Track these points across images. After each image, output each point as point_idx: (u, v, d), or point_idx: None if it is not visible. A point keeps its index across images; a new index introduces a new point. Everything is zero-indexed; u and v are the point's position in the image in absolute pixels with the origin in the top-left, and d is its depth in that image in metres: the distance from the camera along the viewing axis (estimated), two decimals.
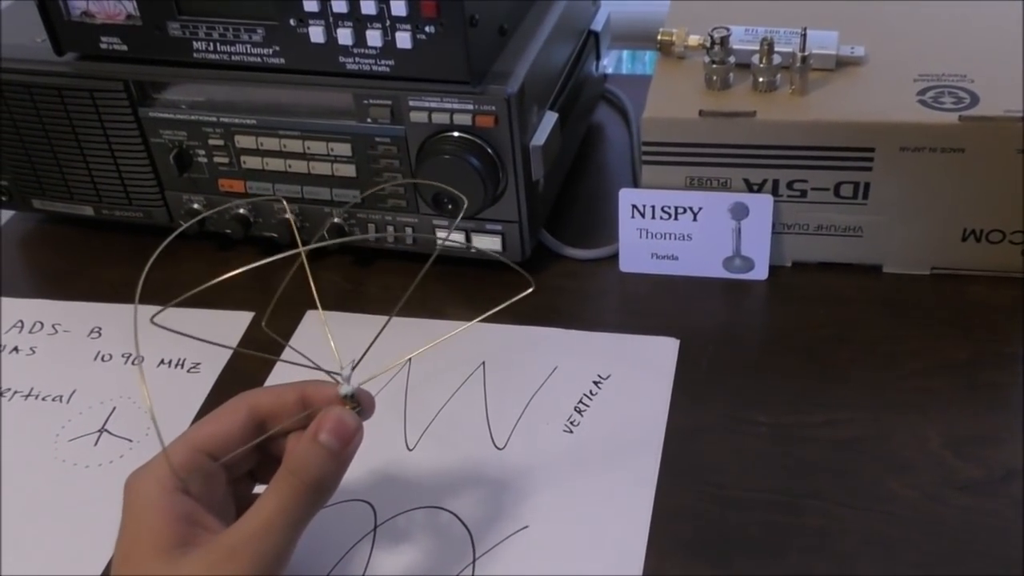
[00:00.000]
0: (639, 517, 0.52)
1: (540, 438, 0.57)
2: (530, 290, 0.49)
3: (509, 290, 0.69)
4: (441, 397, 0.60)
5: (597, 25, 0.80)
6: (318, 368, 0.45)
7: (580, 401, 0.59)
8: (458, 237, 0.67)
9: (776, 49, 0.63)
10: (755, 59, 0.64)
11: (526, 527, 0.52)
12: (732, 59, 0.64)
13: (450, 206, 0.64)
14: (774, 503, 0.52)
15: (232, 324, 0.67)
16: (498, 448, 0.56)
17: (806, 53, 0.62)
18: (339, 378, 0.44)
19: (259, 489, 0.47)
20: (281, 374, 0.62)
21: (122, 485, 0.56)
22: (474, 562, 0.50)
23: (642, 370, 0.60)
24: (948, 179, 0.61)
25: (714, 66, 0.64)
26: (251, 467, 0.47)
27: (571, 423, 0.57)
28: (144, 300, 0.69)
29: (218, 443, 0.43)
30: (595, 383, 0.60)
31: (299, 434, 0.44)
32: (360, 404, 0.45)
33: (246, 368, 0.63)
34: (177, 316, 0.68)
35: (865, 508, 0.51)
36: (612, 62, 0.97)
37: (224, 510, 0.44)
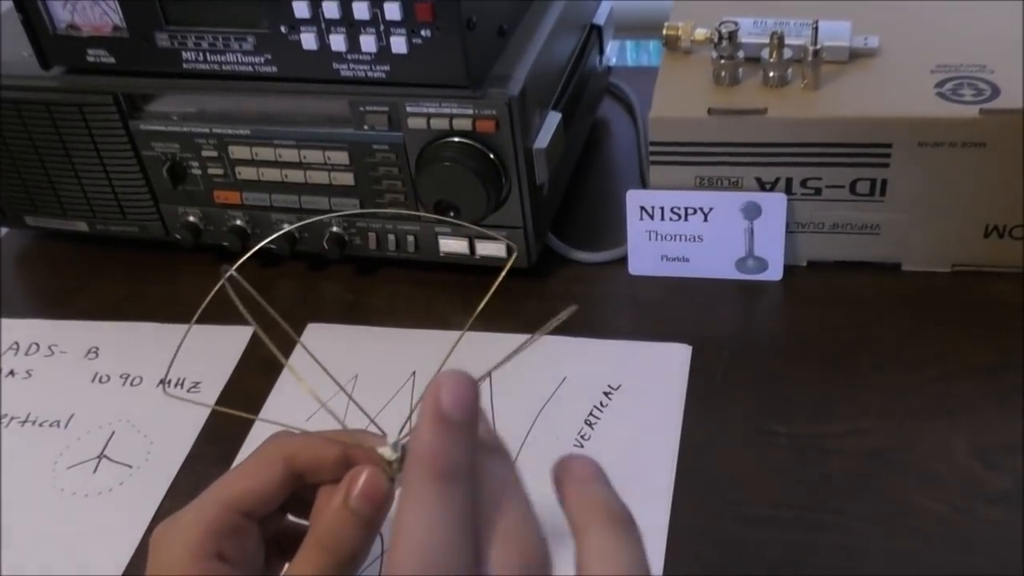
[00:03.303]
0: (654, 537, 0.50)
1: (550, 453, 0.54)
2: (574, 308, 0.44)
3: (515, 296, 0.67)
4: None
5: (599, 19, 0.77)
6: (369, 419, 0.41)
7: (591, 413, 0.57)
8: (462, 245, 0.65)
9: (787, 42, 0.61)
10: (765, 53, 0.61)
11: None
12: (741, 54, 0.62)
13: (452, 213, 0.62)
14: (795, 520, 0.50)
15: (232, 340, 0.65)
16: None
17: (818, 46, 0.60)
18: (384, 442, 0.40)
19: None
20: (285, 386, 0.60)
21: (122, 513, 0.55)
22: None
23: (654, 379, 0.59)
24: (969, 174, 0.58)
25: (722, 61, 0.62)
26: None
27: (582, 437, 0.56)
28: (143, 316, 0.68)
29: (252, 501, 0.40)
30: (605, 394, 0.58)
31: (328, 490, 0.40)
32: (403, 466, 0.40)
33: (248, 387, 0.62)
34: (176, 334, 0.67)
35: (891, 524, 0.49)
36: (615, 51, 0.94)
37: (254, 560, 0.41)
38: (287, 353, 0.63)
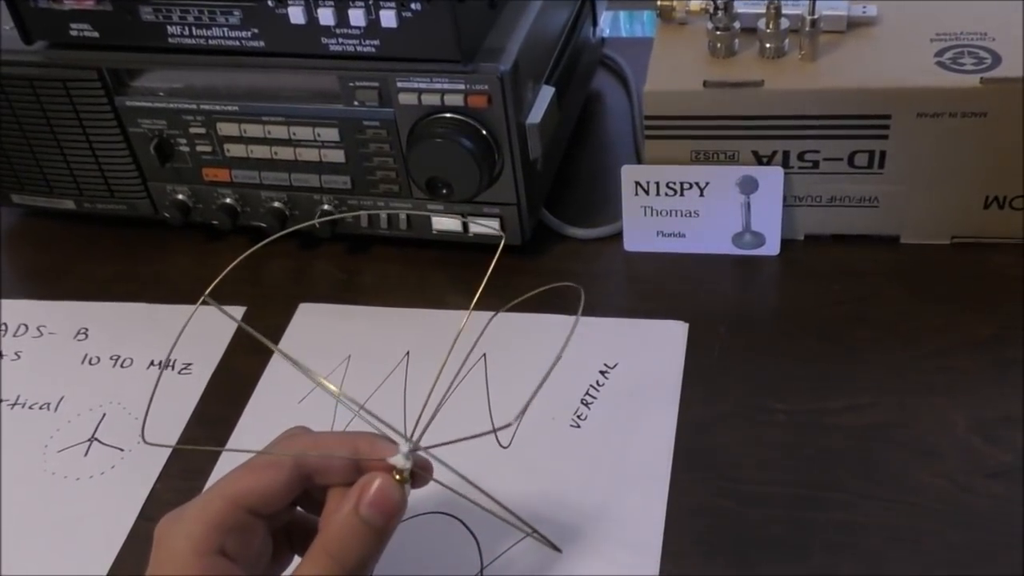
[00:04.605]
0: (653, 516, 0.49)
1: (546, 434, 0.54)
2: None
3: (509, 273, 0.66)
4: (441, 392, 0.57)
5: None
6: (388, 426, 0.40)
7: (587, 393, 0.56)
8: (455, 223, 0.64)
9: (783, 12, 0.60)
10: (761, 24, 0.60)
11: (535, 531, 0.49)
12: (737, 24, 0.61)
13: (444, 191, 0.61)
14: (795, 497, 0.49)
15: (223, 320, 0.64)
16: (502, 447, 0.54)
17: (815, 16, 0.59)
18: (399, 444, 0.40)
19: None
20: (278, 369, 0.60)
21: (114, 496, 0.54)
22: (482, 570, 0.48)
23: (650, 357, 0.58)
24: (969, 145, 0.57)
25: (718, 32, 0.61)
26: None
27: (578, 417, 0.55)
28: (133, 296, 0.67)
29: (258, 499, 0.39)
30: (602, 373, 0.57)
31: (338, 493, 0.40)
32: (414, 476, 0.40)
33: (239, 368, 0.61)
34: (166, 314, 0.66)
35: (891, 500, 0.48)
36: (608, 22, 0.93)
37: (259, 556, 0.41)
38: (278, 335, 0.62)
